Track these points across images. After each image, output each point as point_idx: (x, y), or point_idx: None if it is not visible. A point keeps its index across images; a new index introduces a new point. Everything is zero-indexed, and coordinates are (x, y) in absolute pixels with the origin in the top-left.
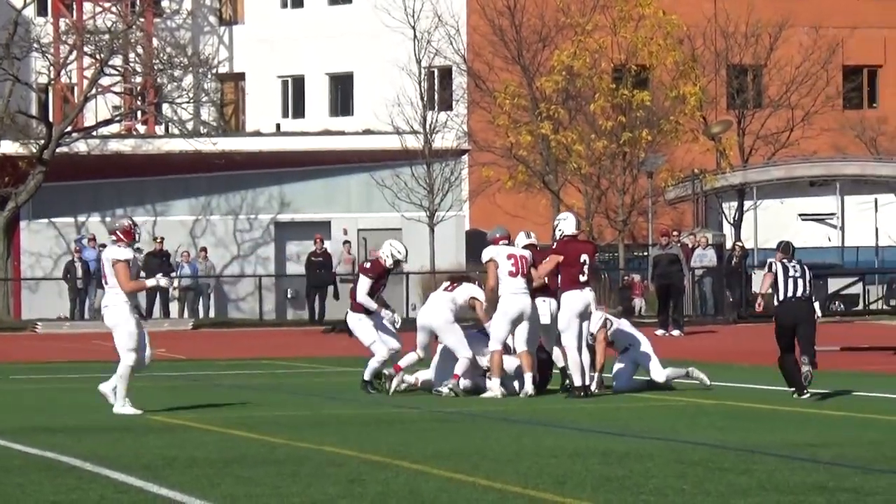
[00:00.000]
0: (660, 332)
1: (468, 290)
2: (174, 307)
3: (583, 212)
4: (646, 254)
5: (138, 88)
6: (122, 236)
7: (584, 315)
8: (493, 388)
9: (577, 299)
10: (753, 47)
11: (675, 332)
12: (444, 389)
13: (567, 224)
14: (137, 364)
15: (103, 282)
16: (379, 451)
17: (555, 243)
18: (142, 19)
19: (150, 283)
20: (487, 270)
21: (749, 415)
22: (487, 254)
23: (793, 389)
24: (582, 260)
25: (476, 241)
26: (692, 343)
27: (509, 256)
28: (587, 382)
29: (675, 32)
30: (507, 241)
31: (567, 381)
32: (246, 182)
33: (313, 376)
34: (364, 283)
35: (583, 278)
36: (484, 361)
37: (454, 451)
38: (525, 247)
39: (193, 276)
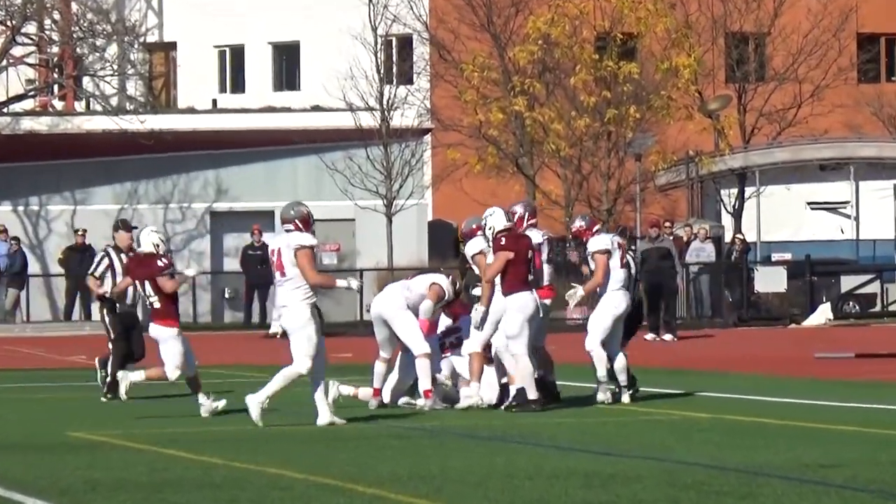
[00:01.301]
0: (650, 336)
1: (428, 278)
2: (96, 308)
3: (561, 198)
4: (633, 248)
5: (55, 59)
6: (300, 225)
7: (536, 319)
8: (471, 393)
9: (527, 301)
10: (755, 13)
11: (667, 337)
12: (421, 402)
13: (496, 219)
14: (307, 372)
15: (278, 276)
16: (329, 472)
17: (491, 241)
18: None
19: (342, 283)
20: (478, 264)
21: (750, 430)
22: (476, 245)
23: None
24: (530, 256)
25: (440, 233)
26: (686, 349)
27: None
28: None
29: None
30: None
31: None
32: (178, 166)
33: (254, 387)
34: None
35: (531, 277)
36: (454, 367)
37: (414, 473)
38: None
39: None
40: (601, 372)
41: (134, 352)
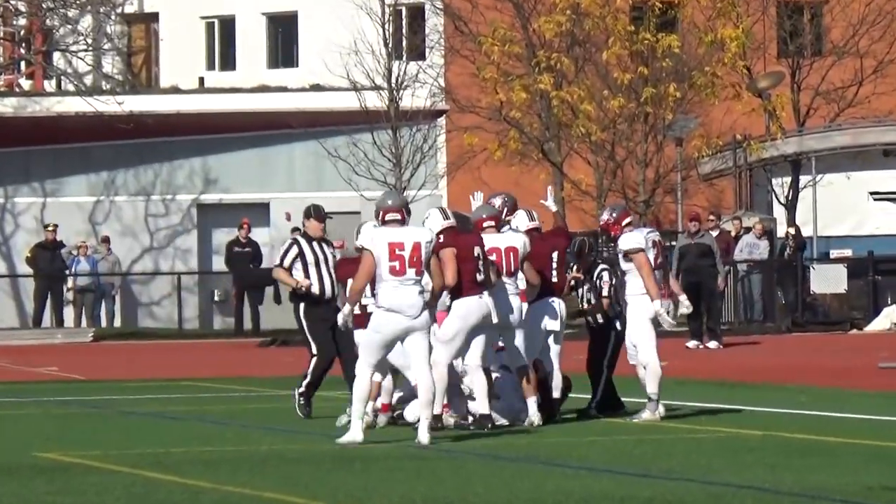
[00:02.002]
0: (692, 343)
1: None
2: (69, 313)
3: (592, 189)
4: (673, 243)
5: (21, 33)
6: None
7: (484, 327)
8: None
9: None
10: None
11: (712, 345)
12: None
13: (432, 220)
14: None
15: (414, 273)
16: (334, 497)
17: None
18: None
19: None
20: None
21: (806, 449)
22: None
23: None
24: (476, 254)
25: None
26: (734, 358)
27: (491, 251)
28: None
29: None
30: (493, 226)
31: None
32: (161, 153)
33: (248, 401)
34: None
35: (480, 278)
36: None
37: (428, 498)
38: (527, 231)
39: (93, 273)
40: (652, 388)
41: (341, 354)
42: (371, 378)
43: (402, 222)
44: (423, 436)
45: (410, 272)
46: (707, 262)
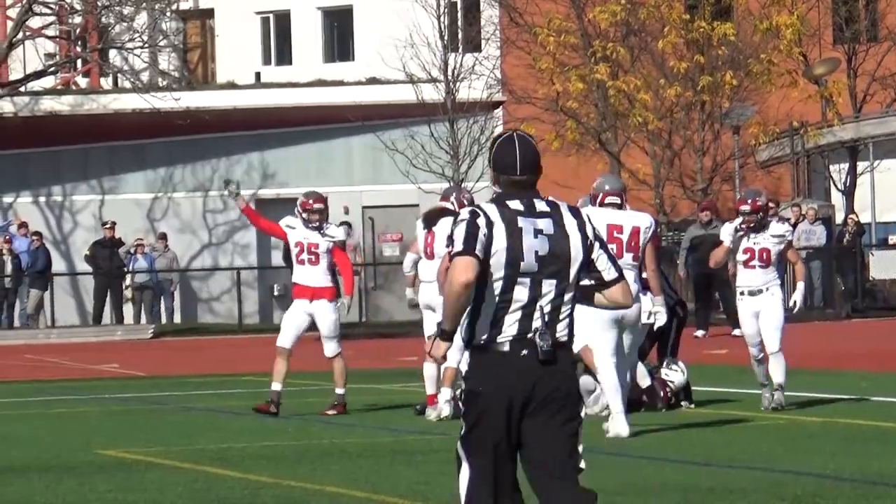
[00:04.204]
0: (699, 333)
1: None
2: (128, 310)
3: (650, 178)
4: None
5: (77, 31)
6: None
7: None
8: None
9: None
10: None
11: (738, 332)
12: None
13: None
14: None
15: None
16: (395, 490)
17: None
18: None
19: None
20: None
21: (867, 436)
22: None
23: None
24: None
25: None
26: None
27: (613, 228)
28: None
29: None
30: (619, 202)
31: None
32: (218, 148)
33: (307, 395)
34: None
35: None
36: None
37: None
38: None
39: (150, 270)
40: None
41: None
42: (615, 367)
43: (621, 206)
44: (623, 428)
45: (627, 257)
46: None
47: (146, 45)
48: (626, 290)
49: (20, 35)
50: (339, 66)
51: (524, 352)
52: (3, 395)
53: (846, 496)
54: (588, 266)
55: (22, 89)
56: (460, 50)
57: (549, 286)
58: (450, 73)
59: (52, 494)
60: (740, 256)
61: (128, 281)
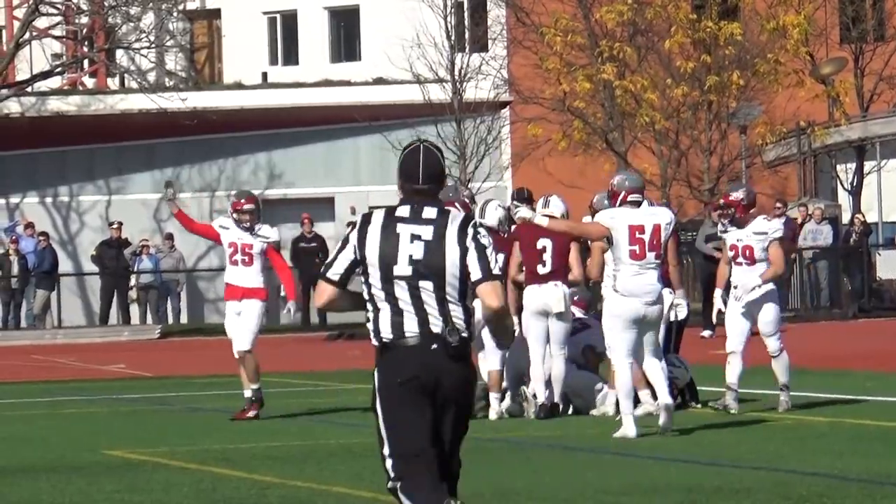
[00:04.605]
0: (706, 333)
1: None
2: (135, 311)
3: (657, 178)
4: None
5: (84, 31)
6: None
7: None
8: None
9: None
10: None
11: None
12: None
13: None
14: None
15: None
16: None
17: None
18: None
19: None
20: (591, 249)
21: (874, 436)
22: (601, 217)
23: None
24: (540, 246)
25: None
26: (799, 344)
27: (634, 229)
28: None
29: None
30: (640, 199)
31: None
32: (225, 149)
33: (315, 396)
34: None
35: (543, 270)
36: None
37: (497, 490)
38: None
39: (155, 270)
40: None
41: None
42: (630, 368)
43: (640, 204)
44: (631, 430)
45: (650, 255)
46: None
47: (153, 46)
48: (489, 290)
49: (27, 35)
50: (346, 66)
51: (433, 346)
52: (10, 396)
53: (853, 496)
54: (464, 272)
55: (29, 90)
56: (467, 50)
57: (426, 289)
58: (457, 73)
59: (59, 494)
60: (729, 253)
61: (132, 281)
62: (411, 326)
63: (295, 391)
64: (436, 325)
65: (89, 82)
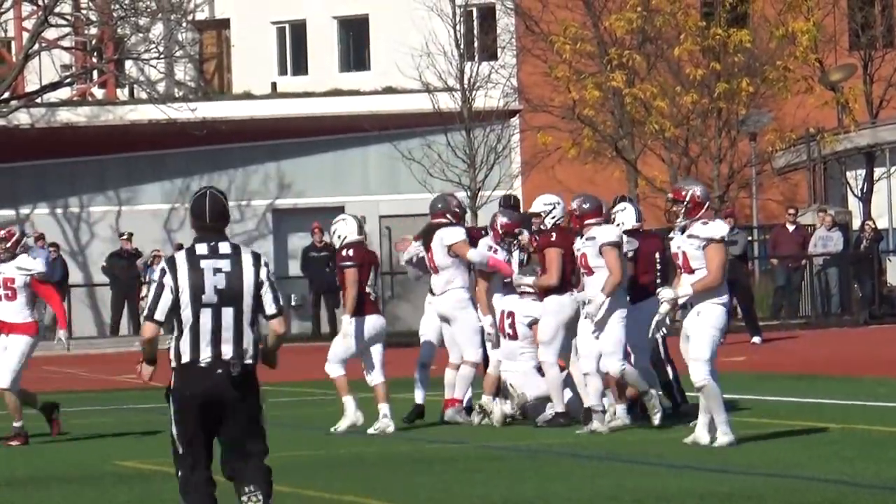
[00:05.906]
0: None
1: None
2: None
3: (667, 185)
4: (751, 238)
5: (93, 42)
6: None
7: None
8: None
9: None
10: None
11: (756, 340)
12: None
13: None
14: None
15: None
16: (414, 499)
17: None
18: None
19: None
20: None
21: (885, 442)
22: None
23: None
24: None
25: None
26: (811, 351)
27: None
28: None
29: None
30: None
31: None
32: (234, 159)
33: (325, 405)
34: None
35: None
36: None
37: (509, 498)
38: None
39: None
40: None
41: None
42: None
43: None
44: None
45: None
46: (739, 260)
47: (162, 56)
48: (281, 322)
49: (36, 46)
50: (356, 75)
51: (219, 370)
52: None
53: (864, 502)
54: (257, 300)
55: (38, 101)
56: (476, 58)
57: (227, 314)
58: (466, 81)
59: None
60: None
61: (143, 292)
62: (206, 351)
63: (306, 400)
64: (227, 353)
65: (99, 93)
